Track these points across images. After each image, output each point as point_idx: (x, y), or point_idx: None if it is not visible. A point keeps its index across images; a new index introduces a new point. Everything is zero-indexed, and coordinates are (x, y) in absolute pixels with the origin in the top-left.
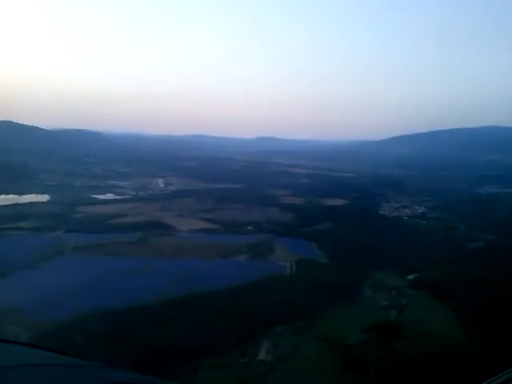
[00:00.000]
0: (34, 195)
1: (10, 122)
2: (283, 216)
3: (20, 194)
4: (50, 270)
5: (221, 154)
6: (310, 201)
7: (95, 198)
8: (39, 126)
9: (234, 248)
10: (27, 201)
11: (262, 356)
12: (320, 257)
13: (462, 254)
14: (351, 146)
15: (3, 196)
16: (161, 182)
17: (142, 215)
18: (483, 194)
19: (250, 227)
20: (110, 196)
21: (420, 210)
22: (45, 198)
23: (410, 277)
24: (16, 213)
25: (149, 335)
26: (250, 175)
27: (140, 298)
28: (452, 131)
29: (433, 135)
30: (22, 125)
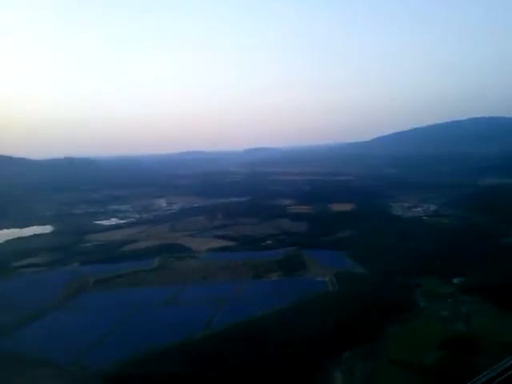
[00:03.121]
0: (35, 227)
1: None
2: (298, 226)
3: (21, 227)
4: (76, 310)
5: (215, 168)
6: (319, 208)
7: (99, 224)
8: (27, 157)
9: (263, 266)
10: (30, 233)
11: None
12: (356, 268)
13: (497, 251)
14: (338, 149)
15: (5, 230)
16: (163, 202)
17: (153, 238)
18: (487, 185)
19: (269, 241)
20: (114, 221)
21: (431, 208)
22: (47, 228)
23: (456, 281)
24: (24, 247)
25: (207, 377)
26: (250, 187)
27: (182, 335)
28: (439, 126)
29: (418, 132)
30: (9, 157)
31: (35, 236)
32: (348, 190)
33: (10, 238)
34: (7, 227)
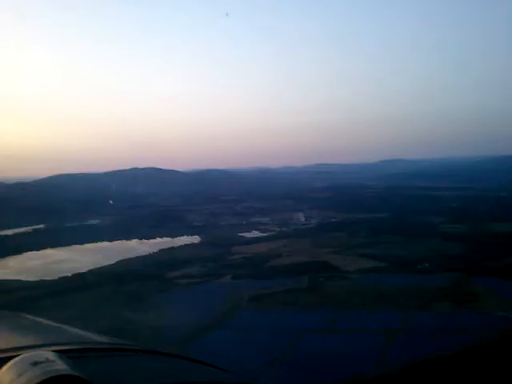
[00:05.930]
0: (185, 237)
1: (153, 168)
2: (454, 248)
3: (172, 236)
4: (237, 330)
5: (349, 181)
6: (476, 227)
7: (243, 236)
8: (176, 169)
9: (426, 294)
10: (181, 243)
11: None
12: None
13: None
14: (494, 162)
15: (159, 239)
16: (301, 216)
17: (296, 254)
18: None
19: (425, 264)
20: (256, 233)
21: None
22: (196, 239)
23: None
24: (177, 257)
25: None
26: (391, 202)
27: (353, 370)
28: None
29: None
30: (163, 169)
31: (185, 246)
32: (511, 209)
33: (163, 247)
34: (160, 236)
